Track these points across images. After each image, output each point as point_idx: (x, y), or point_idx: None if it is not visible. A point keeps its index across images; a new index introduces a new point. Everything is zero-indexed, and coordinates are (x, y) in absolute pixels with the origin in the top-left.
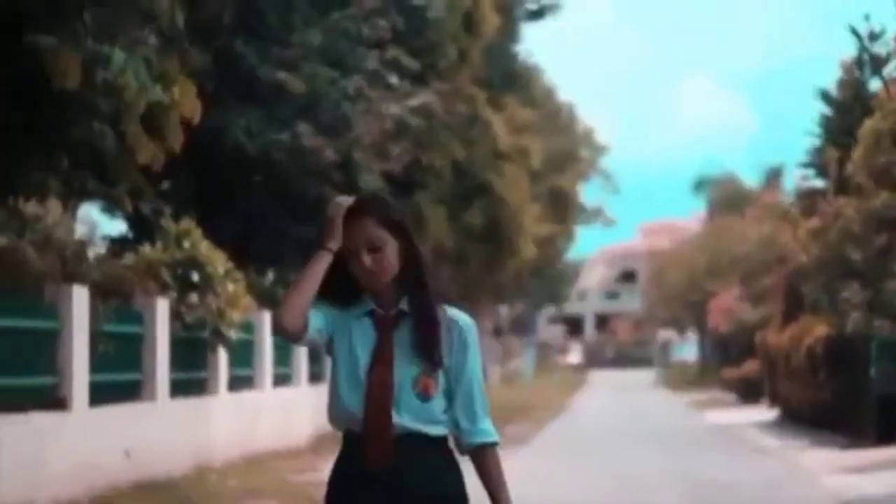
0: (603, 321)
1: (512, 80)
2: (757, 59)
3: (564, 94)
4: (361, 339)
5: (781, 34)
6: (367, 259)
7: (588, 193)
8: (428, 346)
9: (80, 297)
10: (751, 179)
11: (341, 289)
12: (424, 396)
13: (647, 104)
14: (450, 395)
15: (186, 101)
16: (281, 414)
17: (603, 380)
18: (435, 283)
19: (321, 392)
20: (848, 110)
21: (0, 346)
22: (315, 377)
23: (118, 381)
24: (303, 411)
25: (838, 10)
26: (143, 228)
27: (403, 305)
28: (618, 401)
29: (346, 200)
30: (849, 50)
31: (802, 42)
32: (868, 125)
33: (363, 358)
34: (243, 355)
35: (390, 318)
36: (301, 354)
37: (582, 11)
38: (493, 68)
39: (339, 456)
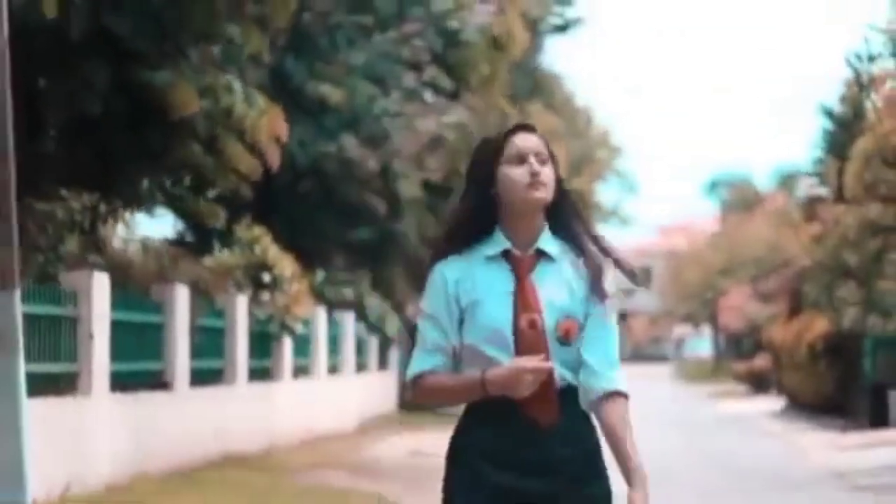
0: (620, 318)
1: (536, 88)
2: (783, 60)
3: (581, 93)
4: (496, 285)
5: (805, 34)
6: (535, 164)
7: (604, 192)
8: (595, 278)
9: (181, 295)
10: (766, 181)
11: (479, 222)
12: (565, 340)
13: (668, 103)
14: (584, 341)
15: (277, 122)
16: (333, 400)
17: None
18: (587, 224)
19: (365, 380)
20: (847, 125)
21: (117, 336)
22: (361, 367)
23: (208, 367)
24: (351, 398)
25: (860, 10)
26: (204, 232)
27: (542, 245)
28: (636, 393)
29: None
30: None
31: (820, 37)
32: (859, 145)
33: (501, 306)
34: (302, 347)
35: (529, 259)
36: (349, 347)
37: (598, 8)
38: (518, 78)
39: (471, 420)
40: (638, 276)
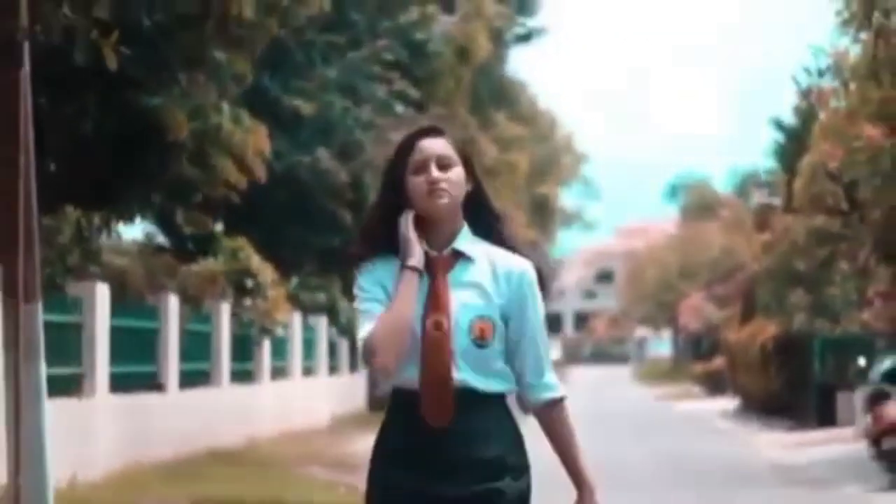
0: (581, 319)
1: (500, 97)
2: (734, 58)
3: (544, 99)
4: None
5: (758, 34)
6: (435, 171)
7: (568, 197)
8: (518, 279)
9: (173, 302)
10: (725, 184)
11: (392, 231)
12: (480, 342)
13: (625, 105)
14: (510, 348)
15: (261, 139)
16: (307, 399)
17: (582, 375)
18: (506, 224)
19: (337, 382)
20: (798, 137)
21: (114, 341)
22: (333, 369)
23: (196, 369)
24: (323, 398)
25: (814, 12)
26: (184, 240)
27: (458, 245)
28: (596, 394)
29: (411, 212)
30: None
31: (779, 41)
32: (806, 160)
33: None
34: (279, 350)
35: (445, 260)
36: (322, 350)
37: (561, 17)
38: (482, 87)
39: (388, 419)
40: (552, 277)
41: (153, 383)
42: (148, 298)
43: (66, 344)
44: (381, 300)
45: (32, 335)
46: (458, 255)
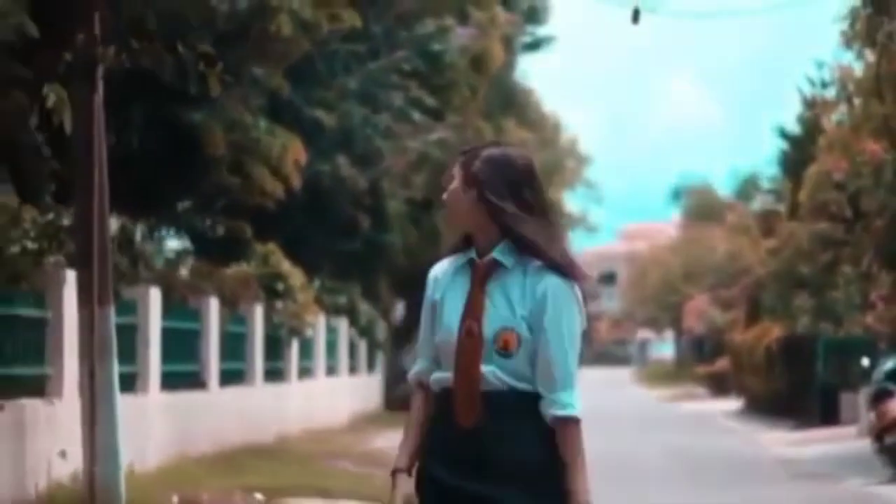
0: (583, 333)
1: (509, 103)
2: (738, 61)
3: (549, 103)
4: (458, 290)
5: (762, 36)
6: (445, 195)
7: (571, 200)
8: (546, 292)
9: (214, 305)
10: (726, 185)
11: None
12: (504, 352)
13: (629, 107)
14: (532, 359)
15: (297, 151)
16: (329, 398)
17: (585, 377)
18: (538, 238)
19: (357, 382)
20: (802, 146)
21: (163, 342)
22: (352, 369)
23: (233, 369)
24: (344, 396)
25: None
26: (215, 245)
27: (497, 255)
28: (602, 395)
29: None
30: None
31: (783, 43)
32: (812, 170)
33: (455, 311)
34: (305, 350)
35: (484, 267)
36: (343, 350)
37: (566, 21)
38: (493, 95)
39: (433, 415)
40: (592, 296)
41: (197, 381)
42: (190, 301)
43: (123, 344)
44: (426, 328)
45: (106, 335)
46: (497, 265)
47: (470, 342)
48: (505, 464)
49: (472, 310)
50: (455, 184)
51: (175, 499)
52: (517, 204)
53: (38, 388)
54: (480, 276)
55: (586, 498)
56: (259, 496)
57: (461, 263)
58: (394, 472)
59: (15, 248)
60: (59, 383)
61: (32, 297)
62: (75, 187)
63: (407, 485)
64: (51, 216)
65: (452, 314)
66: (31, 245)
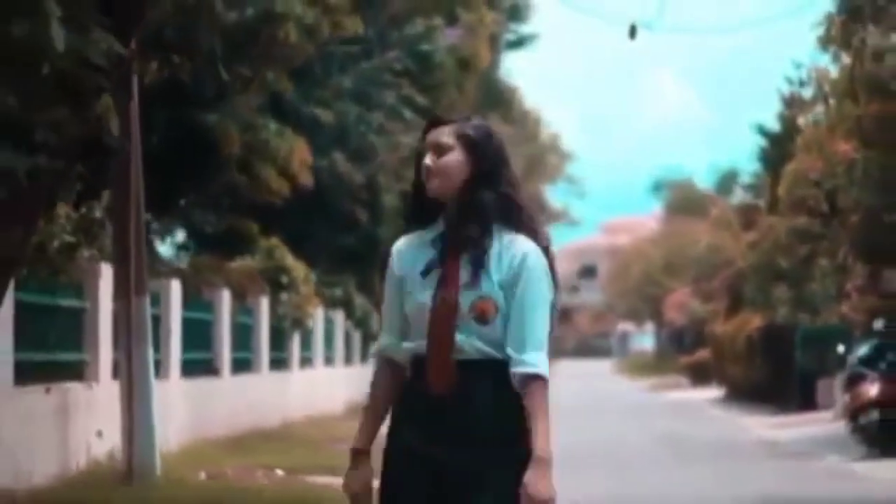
0: (565, 314)
1: (494, 100)
2: (717, 54)
3: (530, 98)
4: (427, 261)
5: (744, 37)
6: (428, 159)
7: (553, 195)
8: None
9: (226, 297)
10: (706, 179)
11: (422, 208)
12: (482, 320)
13: (609, 101)
14: (506, 324)
15: (303, 152)
16: (327, 386)
17: (567, 368)
18: (513, 207)
19: (352, 371)
20: (781, 143)
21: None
22: (348, 359)
23: (242, 357)
24: (341, 385)
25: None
26: (219, 240)
27: (473, 224)
28: (585, 385)
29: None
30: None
31: (762, 37)
32: (790, 167)
33: (427, 283)
34: (306, 341)
35: (458, 237)
36: (339, 341)
37: (542, 15)
38: (479, 92)
39: (406, 383)
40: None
41: (211, 368)
42: (203, 293)
43: None
44: (392, 304)
45: (142, 322)
46: (472, 235)
47: (445, 310)
48: (477, 430)
49: (448, 281)
50: (455, 153)
51: (203, 474)
52: (503, 173)
53: (77, 373)
54: (455, 246)
55: (543, 454)
56: (280, 472)
57: (431, 238)
58: (353, 452)
59: (55, 244)
60: (96, 368)
61: (72, 289)
62: (113, 188)
63: (365, 468)
64: (83, 210)
65: (425, 286)
66: (67, 238)
